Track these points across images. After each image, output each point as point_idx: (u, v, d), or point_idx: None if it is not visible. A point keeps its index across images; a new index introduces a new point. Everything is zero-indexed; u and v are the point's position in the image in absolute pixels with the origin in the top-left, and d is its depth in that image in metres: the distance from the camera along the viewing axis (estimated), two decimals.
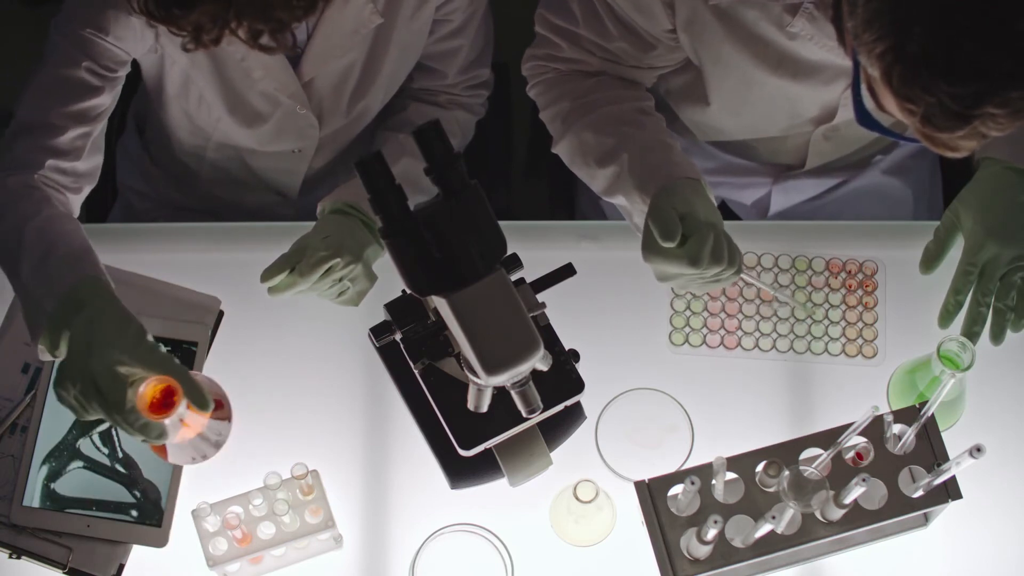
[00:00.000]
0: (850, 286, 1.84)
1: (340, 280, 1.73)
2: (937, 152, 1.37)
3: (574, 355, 1.62)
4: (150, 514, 1.73)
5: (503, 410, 1.55)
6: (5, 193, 1.67)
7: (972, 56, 1.26)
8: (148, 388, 1.52)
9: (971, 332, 1.75)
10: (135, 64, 1.79)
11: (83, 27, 1.67)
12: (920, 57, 1.27)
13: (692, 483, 1.50)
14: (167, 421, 1.52)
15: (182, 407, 1.53)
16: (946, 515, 1.66)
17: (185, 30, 1.46)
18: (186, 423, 1.56)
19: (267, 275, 1.70)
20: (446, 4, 1.80)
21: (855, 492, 1.46)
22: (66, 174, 1.71)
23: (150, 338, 1.54)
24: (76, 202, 1.74)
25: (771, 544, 1.55)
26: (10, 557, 1.71)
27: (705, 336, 1.82)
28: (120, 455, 1.76)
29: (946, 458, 1.58)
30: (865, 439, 1.58)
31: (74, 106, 1.69)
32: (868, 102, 1.42)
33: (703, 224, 1.58)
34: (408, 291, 1.45)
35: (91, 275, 1.59)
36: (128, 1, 1.47)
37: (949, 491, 1.57)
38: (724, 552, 1.54)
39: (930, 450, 1.59)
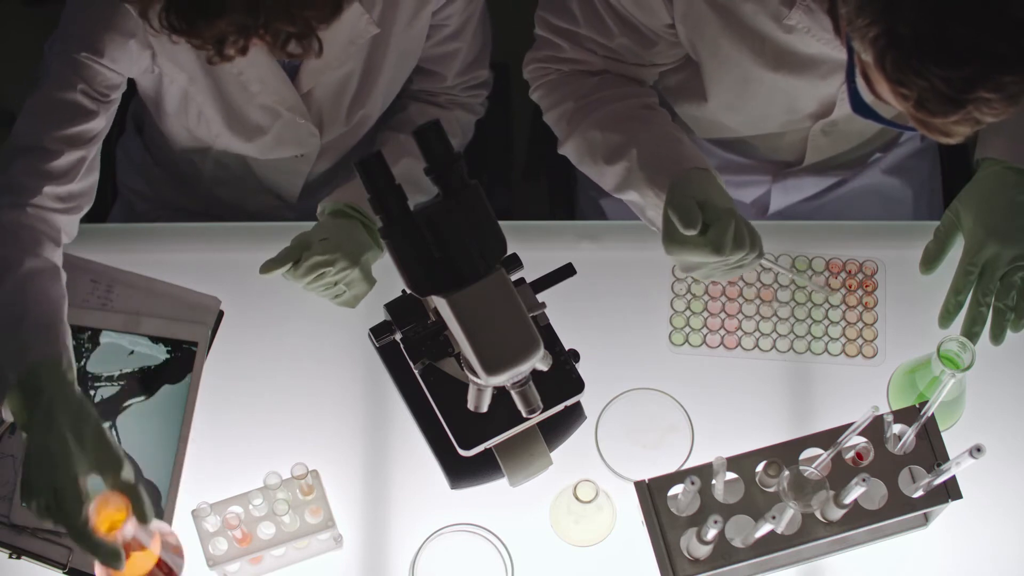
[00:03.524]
0: (850, 286, 1.84)
1: (336, 284, 1.74)
2: (932, 138, 1.38)
3: (574, 355, 1.62)
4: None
5: (503, 410, 1.55)
6: None
7: (964, 40, 1.27)
8: (102, 508, 1.48)
9: (971, 332, 1.75)
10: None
11: (78, 50, 1.67)
12: (913, 41, 1.28)
13: (692, 483, 1.50)
14: (119, 539, 1.48)
15: (128, 528, 1.48)
16: (946, 515, 1.66)
17: (208, 43, 1.43)
18: (137, 551, 1.51)
19: (266, 268, 1.71)
20: (442, 9, 1.79)
21: (855, 492, 1.46)
22: (62, 198, 1.71)
23: (107, 431, 1.54)
24: (72, 223, 1.74)
25: (771, 544, 1.55)
26: (10, 557, 1.71)
27: (705, 336, 1.82)
28: None
29: (946, 458, 1.58)
30: (865, 439, 1.58)
31: (69, 130, 1.69)
32: (865, 93, 1.42)
33: (722, 211, 1.60)
34: (408, 291, 1.45)
35: (51, 358, 1.56)
36: (145, 18, 1.44)
37: (949, 491, 1.57)
38: (724, 552, 1.54)
39: (930, 450, 1.59)
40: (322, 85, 1.81)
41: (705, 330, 1.82)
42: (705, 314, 1.83)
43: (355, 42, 1.75)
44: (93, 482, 1.51)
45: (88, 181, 1.74)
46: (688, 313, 1.83)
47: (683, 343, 1.82)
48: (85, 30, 1.67)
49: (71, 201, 1.72)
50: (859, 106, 1.47)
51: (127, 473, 1.52)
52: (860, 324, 1.82)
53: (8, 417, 1.57)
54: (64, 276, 1.69)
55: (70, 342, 1.61)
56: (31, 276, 1.64)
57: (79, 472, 1.50)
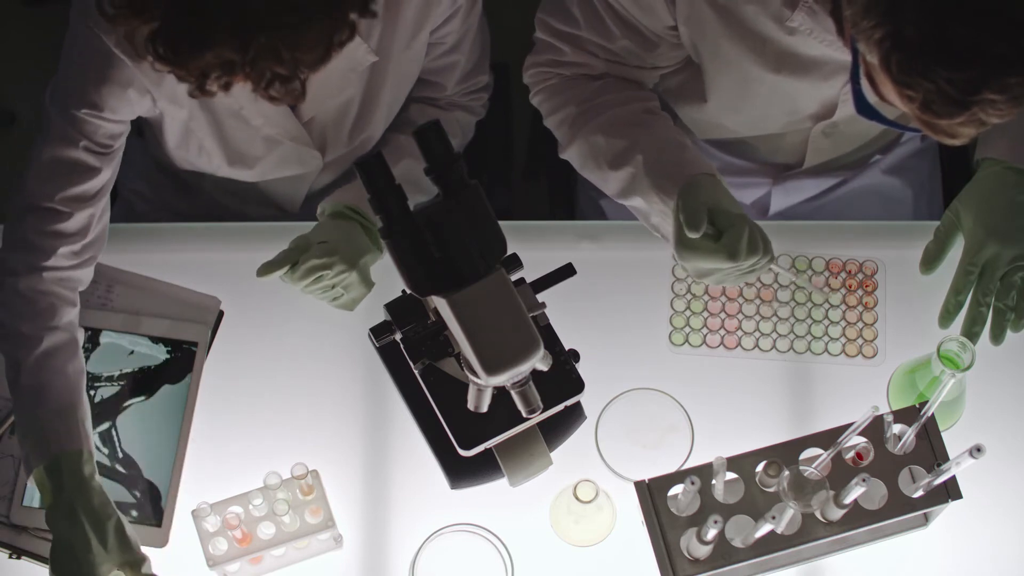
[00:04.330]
0: (850, 286, 1.84)
1: (333, 287, 1.73)
2: (937, 139, 1.38)
3: (574, 355, 1.62)
4: (150, 514, 1.73)
5: (503, 410, 1.55)
6: (15, 298, 1.69)
7: (968, 41, 1.27)
8: None
9: (971, 332, 1.75)
10: None
11: (77, 106, 1.67)
12: (918, 43, 1.29)
13: (692, 483, 1.50)
14: None
15: None
16: (946, 515, 1.66)
17: (193, 74, 1.41)
18: None
19: (264, 270, 1.71)
20: (440, 28, 1.78)
21: (855, 492, 1.46)
22: (77, 253, 1.73)
23: (126, 527, 1.63)
24: (88, 273, 1.76)
25: (771, 544, 1.55)
26: (10, 557, 1.71)
27: (705, 336, 1.82)
28: (120, 455, 1.76)
29: (946, 458, 1.58)
30: (865, 439, 1.58)
31: (76, 188, 1.70)
32: (870, 95, 1.42)
33: (736, 216, 1.60)
34: (408, 291, 1.45)
35: (71, 451, 1.63)
36: (131, 44, 1.43)
37: (949, 491, 1.56)
38: (724, 552, 1.54)
39: (930, 450, 1.59)
40: (323, 112, 1.81)
41: (705, 330, 1.82)
42: (705, 314, 1.83)
43: (355, 70, 1.74)
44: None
45: (100, 228, 1.75)
46: (688, 313, 1.83)
47: (683, 343, 1.82)
48: (82, 85, 1.67)
49: (86, 254, 1.74)
50: (863, 107, 1.47)
51: (148, 568, 1.61)
52: (860, 324, 1.82)
53: (32, 485, 1.67)
54: (81, 336, 1.73)
55: (89, 425, 1.68)
56: (50, 354, 1.68)
57: (102, 572, 1.59)
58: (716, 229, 1.60)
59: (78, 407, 1.67)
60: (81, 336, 1.73)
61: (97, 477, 1.64)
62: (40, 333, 1.68)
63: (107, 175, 1.73)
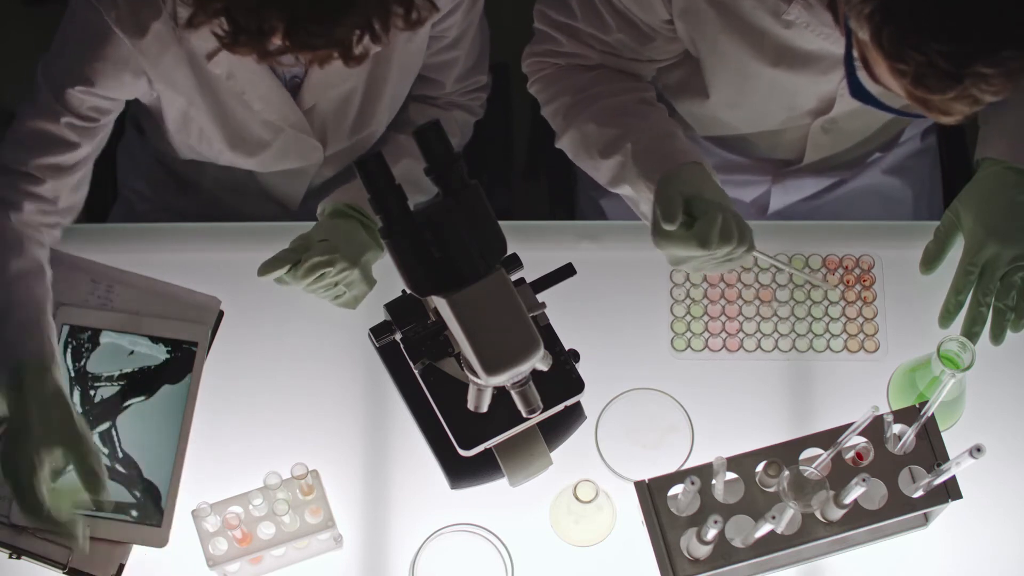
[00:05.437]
0: (848, 281, 1.84)
1: (335, 285, 1.73)
2: (931, 117, 1.38)
3: (574, 355, 1.62)
4: (150, 514, 1.73)
5: (503, 410, 1.55)
6: None
7: (960, 13, 1.27)
8: None
9: (971, 332, 1.75)
10: None
11: (70, 83, 1.67)
12: (908, 15, 1.29)
13: (692, 483, 1.50)
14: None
15: None
16: (946, 515, 1.66)
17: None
18: None
19: (264, 270, 1.71)
20: (441, 21, 1.78)
21: (855, 492, 1.46)
22: (47, 214, 1.73)
23: (77, 418, 1.61)
24: (54, 238, 1.76)
25: (771, 544, 1.55)
26: (10, 557, 1.71)
27: (707, 340, 1.82)
28: (120, 455, 1.76)
29: (946, 458, 1.58)
30: (865, 439, 1.58)
31: (52, 159, 1.71)
32: (865, 81, 1.43)
33: (710, 204, 1.60)
34: (408, 291, 1.45)
35: (34, 355, 1.62)
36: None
37: (949, 491, 1.57)
38: (724, 552, 1.54)
39: (930, 450, 1.59)
40: (325, 101, 1.81)
41: (706, 334, 1.82)
42: (705, 318, 1.83)
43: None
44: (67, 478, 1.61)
45: (72, 200, 1.76)
46: (688, 318, 1.83)
47: (685, 348, 1.81)
48: (77, 57, 1.67)
49: (53, 218, 1.75)
50: (857, 90, 1.48)
51: (93, 448, 1.60)
52: (860, 319, 1.82)
53: None
54: (49, 273, 1.72)
55: (54, 337, 1.67)
56: (17, 278, 1.68)
57: (40, 445, 1.57)
58: (692, 217, 1.61)
59: (44, 324, 1.66)
60: (49, 271, 1.72)
61: (63, 384, 1.62)
62: (7, 258, 1.67)
63: (86, 150, 1.74)
